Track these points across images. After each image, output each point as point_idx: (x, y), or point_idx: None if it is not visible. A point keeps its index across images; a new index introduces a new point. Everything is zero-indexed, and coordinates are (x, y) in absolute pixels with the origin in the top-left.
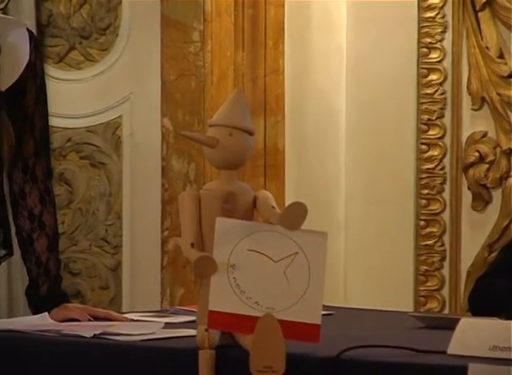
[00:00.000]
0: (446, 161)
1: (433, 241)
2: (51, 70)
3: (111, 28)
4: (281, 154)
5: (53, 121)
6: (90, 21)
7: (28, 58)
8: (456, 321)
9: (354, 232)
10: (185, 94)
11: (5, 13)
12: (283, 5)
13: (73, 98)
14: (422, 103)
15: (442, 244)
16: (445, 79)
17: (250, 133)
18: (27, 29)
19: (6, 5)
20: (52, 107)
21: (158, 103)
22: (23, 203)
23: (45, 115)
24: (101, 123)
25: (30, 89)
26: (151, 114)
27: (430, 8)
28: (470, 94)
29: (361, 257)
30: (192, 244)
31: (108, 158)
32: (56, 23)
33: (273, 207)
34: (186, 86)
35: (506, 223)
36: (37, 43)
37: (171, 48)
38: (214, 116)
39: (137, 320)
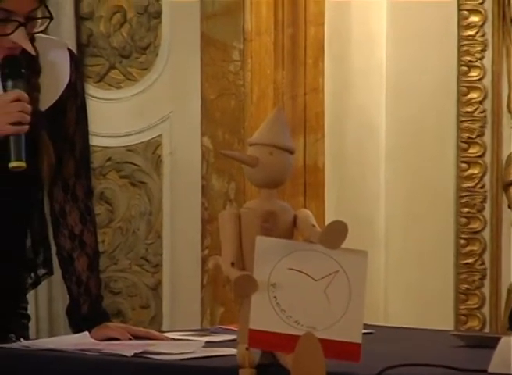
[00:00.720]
0: (486, 179)
1: (473, 259)
2: (92, 90)
3: (151, 47)
4: (321, 172)
5: (93, 140)
6: (131, 40)
7: (68, 78)
8: (497, 340)
9: (394, 250)
10: (225, 113)
11: (45, 33)
12: (323, 24)
13: (113, 118)
14: (462, 121)
15: (483, 263)
16: (485, 97)
17: (291, 152)
18: (68, 49)
19: (44, 29)
20: (92, 126)
21: (198, 122)
22: (64, 222)
23: (86, 134)
24: (141, 142)
25: (71, 109)
26: (191, 133)
27: (470, 26)
28: (510, 112)
29: (402, 275)
30: (232, 263)
31: (149, 177)
32: (96, 42)
33: (313, 225)
34: (226, 105)
35: None
36: (78, 63)
37: (211, 66)
38: (254, 135)
39: (178, 339)
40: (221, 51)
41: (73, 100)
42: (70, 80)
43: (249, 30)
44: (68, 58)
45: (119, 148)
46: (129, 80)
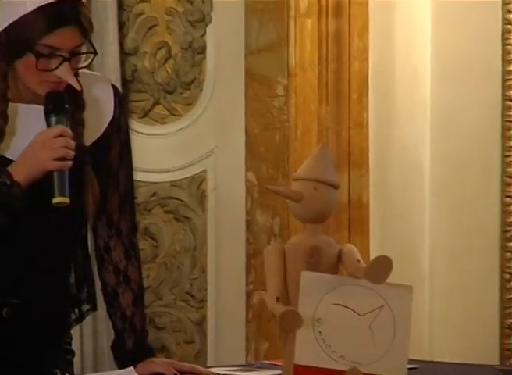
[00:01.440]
0: None
1: None
2: (136, 125)
3: (195, 83)
4: (365, 207)
5: (138, 175)
6: (175, 76)
7: (112, 113)
8: None
9: (439, 284)
10: (269, 148)
11: (89, 68)
12: (367, 59)
13: (158, 153)
14: (507, 156)
15: None
16: None
17: (335, 187)
18: (111, 84)
19: (88, 64)
20: (137, 162)
21: (243, 157)
22: (108, 258)
23: (130, 169)
24: (186, 178)
25: (115, 144)
26: (235, 168)
27: None
28: None
29: (446, 309)
30: (277, 298)
31: (193, 212)
32: (141, 78)
33: (358, 260)
34: (271, 140)
35: None
36: (122, 98)
37: (255, 102)
38: (298, 170)
39: (223, 374)
40: (265, 86)
41: (117, 135)
42: (114, 115)
43: (293, 65)
44: (111, 93)
45: (163, 183)
46: (174, 115)
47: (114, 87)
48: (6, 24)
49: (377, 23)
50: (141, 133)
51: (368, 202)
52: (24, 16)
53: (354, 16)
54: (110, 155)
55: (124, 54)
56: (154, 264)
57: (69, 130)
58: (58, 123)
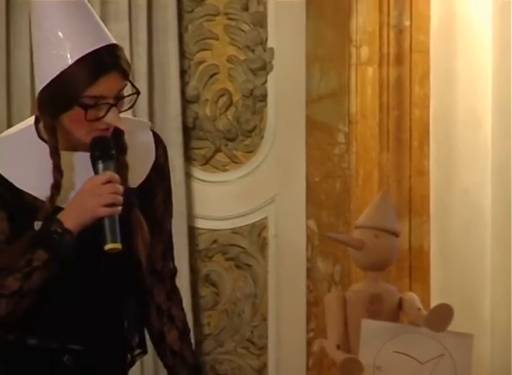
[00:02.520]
0: None
1: None
2: (197, 172)
3: (256, 130)
4: (426, 255)
5: (199, 223)
6: (236, 123)
7: (154, 157)
8: None
9: (501, 333)
10: (330, 196)
11: (151, 115)
12: (428, 107)
13: (219, 200)
14: None
15: None
16: None
17: (396, 235)
18: (152, 130)
19: (132, 105)
20: (198, 209)
21: (303, 204)
22: (152, 302)
23: (171, 216)
24: (247, 225)
25: (159, 191)
26: (296, 215)
27: None
28: None
29: (508, 358)
30: (338, 346)
31: (254, 259)
32: (202, 125)
33: (419, 308)
34: (331, 187)
35: None
36: (165, 147)
37: (316, 149)
38: (359, 218)
39: None
40: (326, 134)
41: (162, 183)
42: (159, 162)
43: (354, 112)
44: (152, 138)
45: (224, 230)
46: (235, 162)
47: (154, 132)
48: (48, 80)
49: (438, 70)
50: (202, 180)
51: (428, 250)
52: (66, 70)
53: (415, 64)
54: (155, 203)
55: (185, 101)
56: (215, 311)
57: (116, 176)
58: (105, 169)
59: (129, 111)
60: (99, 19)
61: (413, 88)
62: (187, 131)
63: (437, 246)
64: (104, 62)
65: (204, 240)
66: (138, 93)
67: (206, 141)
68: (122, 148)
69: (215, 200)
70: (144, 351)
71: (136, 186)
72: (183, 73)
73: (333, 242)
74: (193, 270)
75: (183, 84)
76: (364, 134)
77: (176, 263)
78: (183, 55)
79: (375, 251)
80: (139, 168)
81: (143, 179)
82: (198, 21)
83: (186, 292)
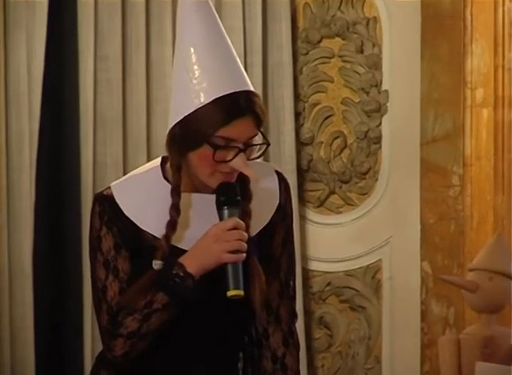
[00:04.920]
0: None
1: None
2: (311, 214)
3: (370, 172)
4: None
5: (313, 265)
6: (350, 165)
7: (278, 201)
8: None
9: None
10: (444, 238)
11: (265, 158)
12: None
13: (333, 242)
14: None
15: None
16: None
17: (511, 277)
18: (276, 171)
19: (261, 155)
20: (312, 251)
21: (418, 247)
22: (267, 344)
23: (292, 255)
24: (361, 267)
25: (279, 231)
26: (410, 257)
27: None
28: None
29: None
30: None
31: (368, 301)
32: (316, 167)
33: None
34: (446, 229)
35: None
36: (287, 185)
37: (430, 191)
38: (474, 260)
39: None
40: (440, 176)
41: (282, 222)
42: (280, 202)
43: (469, 154)
44: (277, 181)
45: (338, 272)
46: (349, 204)
47: (278, 173)
48: (182, 117)
49: None
50: (316, 222)
51: None
52: (201, 109)
53: None
54: (273, 242)
55: (300, 143)
56: (328, 353)
57: (242, 223)
58: (230, 215)
59: None
60: (240, 64)
61: None
62: (302, 173)
63: None
64: (240, 105)
65: (318, 282)
66: (268, 144)
67: (320, 183)
68: (247, 196)
69: (329, 242)
70: None
71: (258, 231)
72: (297, 115)
73: (447, 284)
74: (307, 312)
75: (298, 126)
76: (478, 176)
77: None
78: (297, 97)
79: (489, 294)
80: (261, 215)
81: (265, 224)
82: (313, 63)
83: (300, 334)
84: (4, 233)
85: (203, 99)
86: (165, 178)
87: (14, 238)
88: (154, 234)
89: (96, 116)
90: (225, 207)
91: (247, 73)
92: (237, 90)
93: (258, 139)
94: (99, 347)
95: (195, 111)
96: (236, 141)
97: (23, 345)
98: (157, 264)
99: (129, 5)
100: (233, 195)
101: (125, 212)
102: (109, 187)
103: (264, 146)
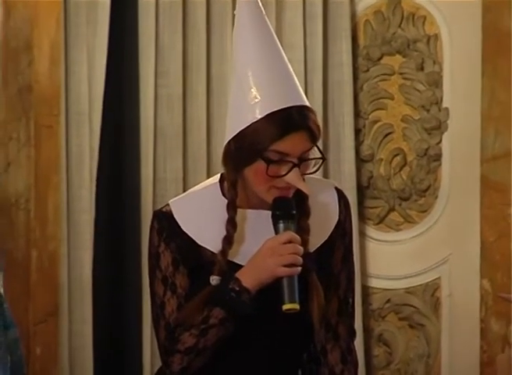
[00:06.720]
0: None
1: None
2: (371, 231)
3: (430, 190)
4: None
5: (372, 282)
6: (410, 183)
7: (337, 218)
8: None
9: None
10: (504, 256)
11: (325, 175)
12: None
13: (392, 260)
14: None
15: None
16: None
17: None
18: (335, 187)
19: (316, 170)
20: (371, 268)
21: (478, 264)
22: (325, 361)
23: (351, 273)
24: (420, 285)
25: (339, 248)
26: (470, 275)
27: None
28: None
29: None
30: None
31: (427, 319)
32: (376, 184)
33: None
34: (506, 247)
35: None
36: (347, 202)
37: (490, 209)
38: None
39: None
40: (500, 193)
41: (342, 239)
42: (339, 219)
43: None
44: (336, 197)
45: (397, 290)
46: (409, 222)
47: (338, 190)
48: (236, 132)
49: None
50: (376, 239)
51: None
52: (254, 124)
53: None
54: (333, 259)
55: (360, 160)
56: (387, 371)
57: (297, 237)
58: (286, 229)
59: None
60: (296, 80)
61: None
62: (361, 190)
63: None
64: (294, 119)
65: (377, 299)
66: (324, 159)
67: (380, 200)
68: (304, 212)
69: (388, 259)
70: None
71: (317, 247)
72: (357, 132)
73: (507, 303)
74: (366, 329)
75: (358, 143)
76: None
77: None
78: (357, 114)
79: None
80: (321, 232)
81: (324, 240)
82: (373, 80)
83: (359, 351)
84: (64, 248)
85: (257, 114)
86: (224, 195)
87: (74, 254)
88: (212, 250)
89: (156, 132)
90: (281, 221)
91: (307, 90)
92: (291, 105)
93: (314, 154)
94: (158, 363)
95: (249, 126)
96: (290, 156)
97: (82, 364)
98: (214, 279)
99: (190, 22)
100: (289, 209)
101: (183, 228)
102: (168, 204)
103: (320, 161)
